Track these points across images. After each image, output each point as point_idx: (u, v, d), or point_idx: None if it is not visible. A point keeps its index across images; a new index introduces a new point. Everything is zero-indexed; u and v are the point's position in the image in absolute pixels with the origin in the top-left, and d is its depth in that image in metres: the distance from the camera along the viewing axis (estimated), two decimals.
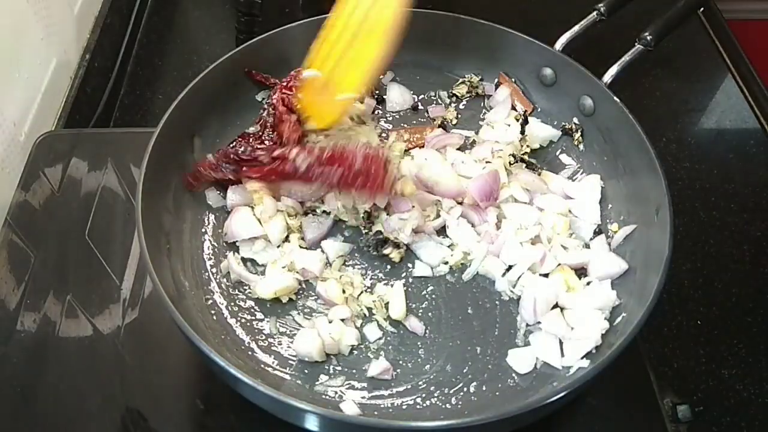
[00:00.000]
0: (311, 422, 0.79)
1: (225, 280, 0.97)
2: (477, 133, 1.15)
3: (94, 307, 1.00)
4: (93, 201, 1.11)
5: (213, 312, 0.94)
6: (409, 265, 1.00)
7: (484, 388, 0.89)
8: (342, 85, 0.97)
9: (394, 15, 0.94)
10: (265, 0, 1.40)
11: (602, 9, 1.11)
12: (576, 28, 1.11)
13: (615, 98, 1.04)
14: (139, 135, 1.18)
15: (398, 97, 1.19)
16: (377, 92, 1.19)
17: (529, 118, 1.14)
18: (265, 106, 1.07)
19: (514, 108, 1.17)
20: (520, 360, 0.91)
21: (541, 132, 1.13)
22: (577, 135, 1.12)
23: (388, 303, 0.95)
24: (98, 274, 1.03)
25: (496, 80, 1.20)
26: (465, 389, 0.89)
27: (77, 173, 1.15)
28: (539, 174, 1.08)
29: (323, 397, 0.87)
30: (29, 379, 0.93)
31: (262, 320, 0.94)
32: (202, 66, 1.05)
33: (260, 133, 1.05)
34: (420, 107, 1.19)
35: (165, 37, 1.56)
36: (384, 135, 1.14)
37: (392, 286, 0.97)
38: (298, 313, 0.95)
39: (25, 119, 1.21)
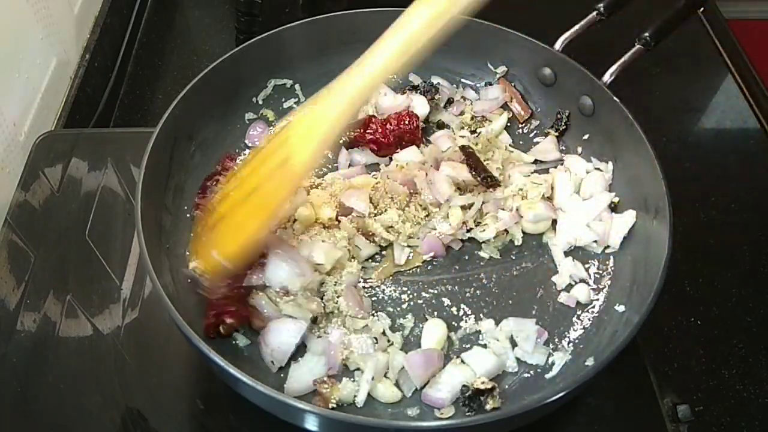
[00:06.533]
0: (311, 422, 0.79)
1: None
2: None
3: (94, 307, 1.00)
4: (93, 201, 1.11)
5: None
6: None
7: None
8: (221, 247, 0.88)
9: (289, 192, 0.89)
10: (265, 0, 1.40)
11: (602, 9, 1.11)
12: (576, 27, 1.11)
13: (615, 98, 1.04)
14: (139, 135, 1.18)
15: (391, 100, 1.16)
16: None
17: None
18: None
19: (507, 108, 1.18)
20: None
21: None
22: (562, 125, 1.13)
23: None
24: (98, 274, 1.03)
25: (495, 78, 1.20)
26: None
27: (77, 173, 1.15)
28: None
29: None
30: (29, 379, 0.93)
31: None
32: (202, 66, 1.05)
33: None
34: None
35: (165, 37, 1.56)
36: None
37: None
38: None
39: (25, 119, 1.21)
